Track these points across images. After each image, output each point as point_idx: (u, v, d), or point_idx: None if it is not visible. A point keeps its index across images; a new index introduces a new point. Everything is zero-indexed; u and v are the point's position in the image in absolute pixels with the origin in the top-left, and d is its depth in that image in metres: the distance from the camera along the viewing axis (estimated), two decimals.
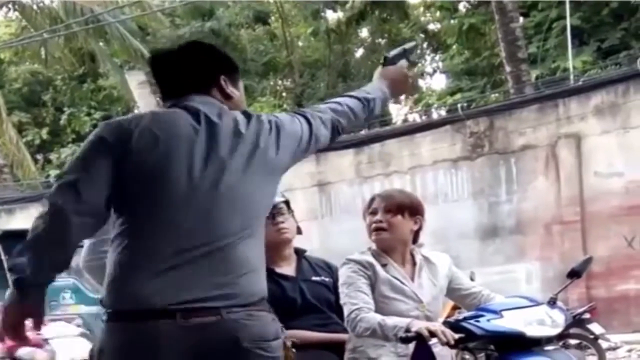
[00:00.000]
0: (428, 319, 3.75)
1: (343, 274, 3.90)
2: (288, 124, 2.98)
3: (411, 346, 3.71)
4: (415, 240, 4.06)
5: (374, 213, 3.98)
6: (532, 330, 3.59)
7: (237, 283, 2.74)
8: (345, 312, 3.80)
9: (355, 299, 3.78)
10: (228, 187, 2.77)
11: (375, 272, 3.87)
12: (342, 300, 3.85)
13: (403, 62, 3.50)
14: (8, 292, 2.71)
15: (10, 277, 2.71)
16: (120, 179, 2.72)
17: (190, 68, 2.97)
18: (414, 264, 4.01)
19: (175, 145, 2.75)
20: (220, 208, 2.76)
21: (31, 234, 2.68)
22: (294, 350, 3.55)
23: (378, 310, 3.76)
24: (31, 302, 2.70)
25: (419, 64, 27.01)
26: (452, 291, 4.11)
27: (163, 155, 2.74)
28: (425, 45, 27.66)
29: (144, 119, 2.81)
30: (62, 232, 2.67)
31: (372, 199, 4.03)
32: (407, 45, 3.65)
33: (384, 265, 3.90)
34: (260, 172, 2.85)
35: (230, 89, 2.99)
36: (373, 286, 3.85)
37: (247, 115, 2.92)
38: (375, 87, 3.35)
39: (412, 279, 3.94)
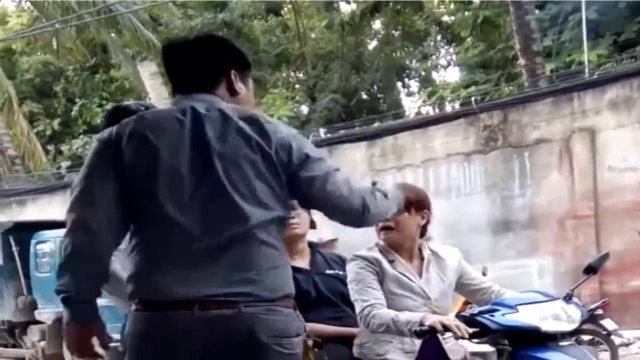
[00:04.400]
0: (437, 315, 3.71)
1: (351, 270, 3.93)
2: (300, 136, 2.94)
3: (418, 342, 3.74)
4: (422, 234, 4.06)
5: None
6: (548, 325, 3.56)
7: (260, 279, 2.77)
8: (357, 308, 3.82)
9: (366, 296, 3.79)
10: (220, 176, 2.77)
11: (382, 268, 3.88)
12: (353, 297, 3.87)
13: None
14: (64, 315, 2.85)
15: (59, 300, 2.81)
16: (121, 184, 2.79)
17: (203, 58, 2.97)
18: (422, 259, 4.02)
19: (162, 141, 2.79)
20: (218, 197, 2.77)
21: (63, 253, 2.80)
22: (316, 349, 3.54)
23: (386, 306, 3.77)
24: (86, 320, 2.82)
25: (434, 57, 27.02)
26: (462, 286, 4.12)
27: (152, 154, 2.78)
28: (439, 37, 27.59)
29: (131, 122, 2.85)
30: (89, 244, 2.77)
31: None
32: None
33: (391, 262, 3.91)
34: (255, 162, 2.81)
35: (239, 85, 2.99)
36: (381, 282, 3.86)
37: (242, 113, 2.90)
38: (390, 191, 3.30)
39: (420, 274, 3.95)
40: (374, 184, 3.35)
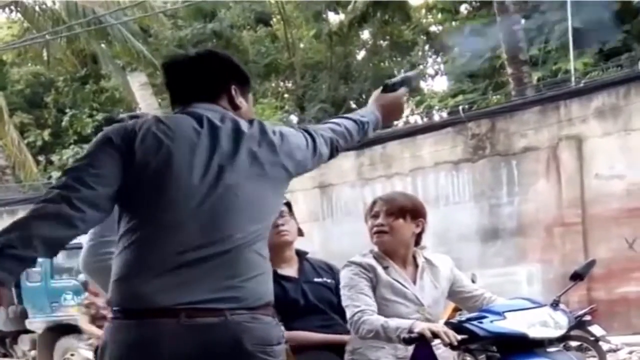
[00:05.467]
0: (429, 322, 3.74)
1: (344, 276, 3.92)
2: (292, 135, 3.03)
3: (410, 348, 3.72)
4: (417, 242, 4.07)
5: (375, 216, 3.99)
6: (535, 332, 3.60)
7: (244, 286, 2.77)
8: (348, 314, 3.81)
9: (358, 301, 3.79)
10: (231, 188, 2.80)
11: (376, 274, 3.88)
12: (344, 302, 3.86)
13: (402, 90, 3.56)
14: None
15: None
16: (125, 180, 2.75)
17: (204, 74, 3.00)
18: (415, 266, 4.02)
19: (177, 148, 2.78)
20: (226, 209, 2.78)
21: (31, 211, 2.64)
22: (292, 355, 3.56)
23: (379, 312, 3.78)
24: (5, 274, 2.55)
25: (421, 66, 27.05)
26: (454, 293, 4.13)
27: (166, 158, 2.76)
28: (427, 47, 27.65)
29: (147, 122, 2.84)
30: (63, 212, 2.63)
31: (374, 202, 4.05)
32: (411, 73, 3.74)
33: (385, 268, 3.92)
34: (264, 175, 2.88)
35: (240, 100, 3.03)
36: (374, 288, 3.86)
37: (250, 121, 2.96)
38: (369, 111, 3.42)
39: (414, 281, 3.95)
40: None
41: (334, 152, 3.20)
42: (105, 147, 2.78)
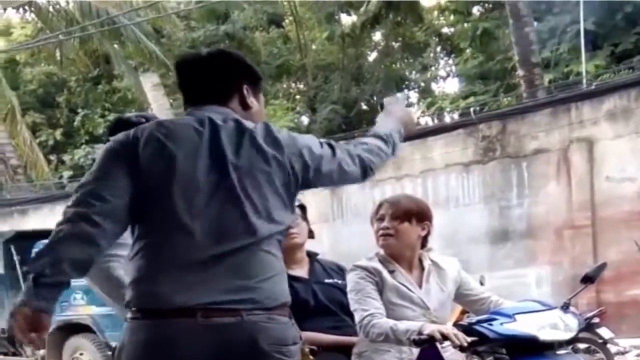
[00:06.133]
0: (435, 324, 3.73)
1: (350, 280, 3.95)
2: (302, 136, 3.04)
3: (415, 351, 3.76)
4: (423, 245, 4.09)
5: (381, 219, 4.02)
6: (545, 335, 3.61)
7: (260, 287, 2.79)
8: (357, 318, 3.84)
9: (366, 305, 3.82)
10: (235, 187, 2.82)
11: (382, 278, 3.90)
12: (352, 306, 3.89)
13: (401, 106, 3.57)
14: (22, 292, 2.70)
15: (25, 280, 2.69)
16: (133, 186, 2.79)
17: (216, 72, 3.02)
18: (422, 269, 4.04)
19: (180, 150, 2.81)
20: (232, 208, 2.81)
21: (53, 235, 2.71)
22: (311, 357, 3.59)
23: (385, 316, 3.80)
24: (45, 303, 2.67)
25: (433, 68, 27.02)
26: (461, 296, 4.15)
27: (169, 160, 2.80)
28: (438, 49, 27.63)
29: (149, 127, 2.88)
30: (84, 231, 2.70)
31: (380, 205, 4.07)
32: (400, 95, 3.75)
33: (391, 272, 3.94)
34: (268, 174, 2.89)
35: (251, 99, 3.05)
36: (380, 292, 3.88)
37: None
38: (387, 126, 3.38)
39: (420, 285, 3.97)
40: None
41: (367, 171, 3.18)
42: (112, 158, 2.83)
